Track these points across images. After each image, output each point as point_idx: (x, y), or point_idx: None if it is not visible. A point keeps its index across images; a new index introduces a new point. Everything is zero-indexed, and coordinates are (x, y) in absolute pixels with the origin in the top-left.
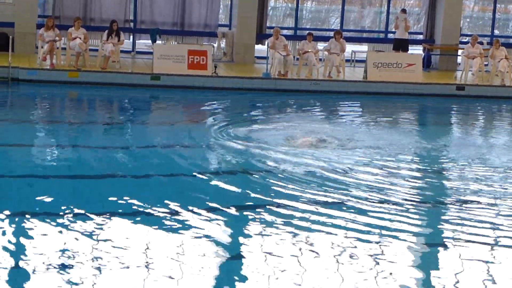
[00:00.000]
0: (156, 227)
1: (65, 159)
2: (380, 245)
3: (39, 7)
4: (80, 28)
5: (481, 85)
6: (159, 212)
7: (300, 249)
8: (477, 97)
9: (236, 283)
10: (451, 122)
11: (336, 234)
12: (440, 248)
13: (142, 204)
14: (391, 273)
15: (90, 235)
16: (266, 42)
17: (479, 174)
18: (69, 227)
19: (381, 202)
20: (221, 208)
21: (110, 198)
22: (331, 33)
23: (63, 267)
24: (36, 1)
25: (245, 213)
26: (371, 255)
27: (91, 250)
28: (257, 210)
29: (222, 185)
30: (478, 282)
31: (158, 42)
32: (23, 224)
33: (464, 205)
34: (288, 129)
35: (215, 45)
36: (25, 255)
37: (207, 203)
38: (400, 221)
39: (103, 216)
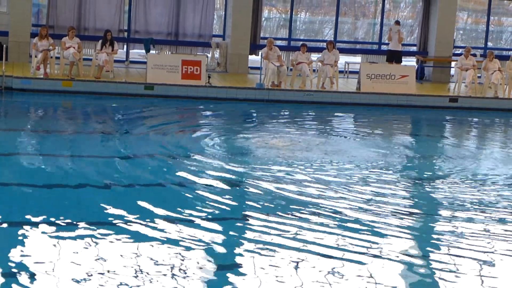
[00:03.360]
0: (144, 236)
1: (58, 169)
2: (368, 256)
3: (33, 16)
4: (74, 37)
5: (474, 97)
6: (143, 222)
7: (284, 263)
8: (470, 109)
9: None
10: (444, 134)
11: (320, 245)
12: (431, 261)
13: (133, 214)
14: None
15: (77, 245)
16: (260, 53)
17: (470, 186)
18: (63, 235)
19: (370, 213)
20: (205, 218)
21: (99, 207)
22: (325, 44)
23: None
24: (30, 11)
25: (227, 223)
26: (357, 266)
27: (76, 260)
28: (242, 220)
29: (207, 196)
30: None
31: (152, 52)
32: (14, 233)
33: (455, 216)
34: (277, 140)
35: (209, 55)
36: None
37: (189, 213)
38: (388, 232)
39: (92, 226)
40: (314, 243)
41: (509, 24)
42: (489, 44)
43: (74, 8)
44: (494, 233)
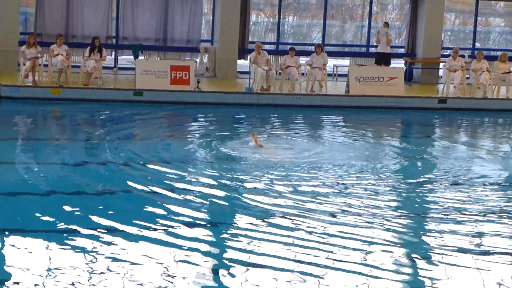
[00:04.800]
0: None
1: (48, 177)
2: (360, 259)
3: (21, 25)
4: (62, 44)
5: (463, 98)
6: (133, 228)
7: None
8: (459, 110)
9: None
10: (434, 135)
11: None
12: (420, 261)
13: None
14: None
15: (69, 252)
16: (249, 57)
17: (460, 187)
18: (59, 243)
19: (359, 215)
20: (190, 224)
21: (87, 215)
22: (313, 48)
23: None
24: (18, 19)
25: (215, 229)
26: (351, 269)
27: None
28: (230, 226)
29: (193, 201)
30: None
31: (141, 58)
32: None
33: (444, 217)
34: (267, 144)
35: (198, 60)
36: None
37: (176, 220)
38: (378, 235)
39: (86, 233)
40: (305, 247)
41: (496, 24)
42: (477, 44)
43: (61, 16)
44: (485, 233)
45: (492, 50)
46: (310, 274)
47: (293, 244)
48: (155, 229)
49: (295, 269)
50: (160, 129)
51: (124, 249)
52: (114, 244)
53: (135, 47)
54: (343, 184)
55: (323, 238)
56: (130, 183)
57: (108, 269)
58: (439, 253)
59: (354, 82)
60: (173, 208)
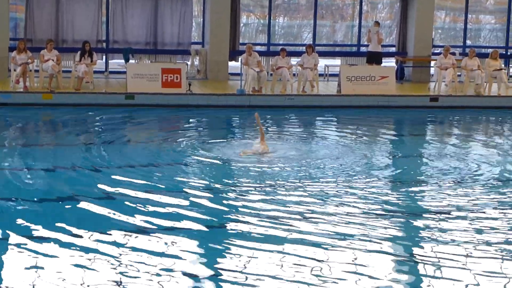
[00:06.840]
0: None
1: (40, 182)
2: (355, 259)
3: (11, 30)
4: (52, 50)
5: (455, 96)
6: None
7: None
8: (451, 107)
9: None
10: (426, 133)
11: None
12: (413, 262)
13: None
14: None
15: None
16: (240, 59)
17: (453, 185)
18: (54, 250)
19: (352, 214)
20: (183, 227)
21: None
22: (304, 48)
23: None
24: (8, 25)
25: (210, 231)
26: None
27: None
28: (222, 228)
29: (185, 204)
30: None
31: (131, 61)
32: None
33: (437, 216)
34: (259, 146)
35: (189, 63)
36: None
37: (166, 223)
38: (371, 234)
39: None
40: (297, 250)
41: (487, 21)
42: (468, 42)
43: (51, 21)
44: (482, 230)
45: (483, 48)
46: (305, 279)
47: (284, 250)
48: (143, 233)
49: (288, 274)
50: (151, 132)
51: (116, 253)
52: (110, 249)
53: (125, 50)
54: (335, 184)
55: (317, 238)
56: (119, 188)
57: (92, 275)
58: (436, 252)
59: (345, 82)
60: (162, 212)
